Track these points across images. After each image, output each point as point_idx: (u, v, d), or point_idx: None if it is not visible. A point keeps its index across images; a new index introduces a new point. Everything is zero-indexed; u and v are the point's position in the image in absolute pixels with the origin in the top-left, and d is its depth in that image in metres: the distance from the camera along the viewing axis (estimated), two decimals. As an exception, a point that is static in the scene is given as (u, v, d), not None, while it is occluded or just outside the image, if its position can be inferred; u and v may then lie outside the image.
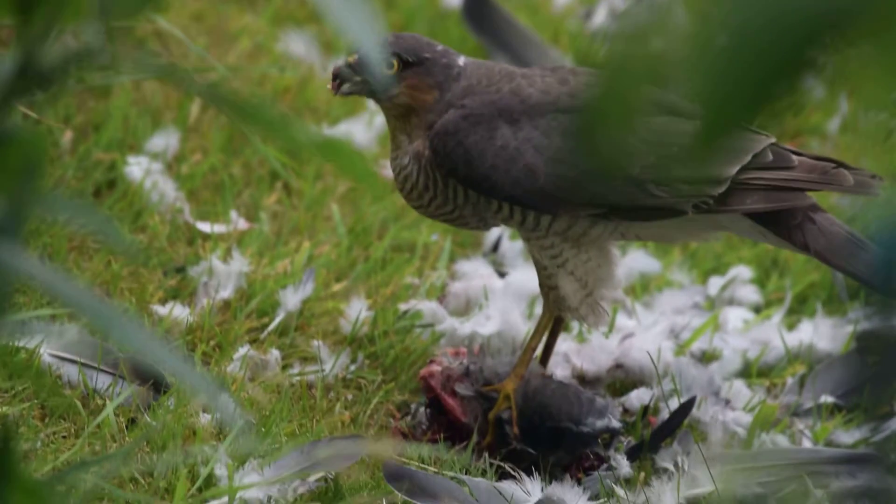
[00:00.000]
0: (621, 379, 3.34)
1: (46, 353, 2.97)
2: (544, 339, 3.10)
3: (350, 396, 3.19)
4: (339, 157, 1.72)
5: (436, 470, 2.90)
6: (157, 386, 2.96)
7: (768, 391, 3.39)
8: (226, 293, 3.34)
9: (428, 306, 3.38)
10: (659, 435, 3.08)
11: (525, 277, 3.49)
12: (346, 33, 1.57)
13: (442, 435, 3.06)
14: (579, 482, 2.97)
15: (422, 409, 3.12)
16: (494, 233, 3.74)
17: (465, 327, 3.33)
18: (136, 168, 3.65)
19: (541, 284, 3.02)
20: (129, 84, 3.92)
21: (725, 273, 3.74)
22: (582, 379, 3.32)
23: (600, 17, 4.90)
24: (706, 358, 3.45)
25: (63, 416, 2.90)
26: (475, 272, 3.56)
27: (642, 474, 3.00)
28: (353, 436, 2.89)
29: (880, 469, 1.81)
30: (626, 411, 3.25)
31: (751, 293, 3.70)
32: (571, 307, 3.00)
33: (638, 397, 3.26)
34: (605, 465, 3.02)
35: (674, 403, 3.19)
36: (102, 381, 2.96)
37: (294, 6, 4.67)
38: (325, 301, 3.41)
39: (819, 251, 2.92)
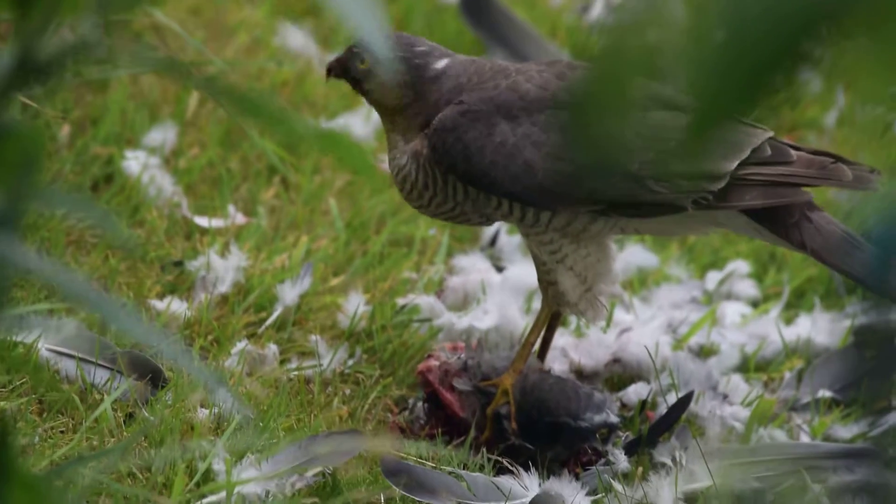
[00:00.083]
0: (619, 373, 3.34)
1: (44, 348, 2.96)
2: (542, 333, 3.11)
3: (348, 391, 3.19)
4: (338, 149, 1.72)
5: (434, 465, 2.90)
6: (155, 381, 2.96)
7: (766, 386, 3.39)
8: (224, 288, 3.34)
9: (426, 301, 3.38)
10: (657, 430, 3.08)
11: (523, 272, 3.49)
12: (347, 22, 1.57)
13: (440, 430, 3.06)
14: (577, 477, 2.97)
15: (420, 404, 3.12)
16: (492, 227, 3.74)
17: (462, 322, 3.33)
18: (133, 162, 3.64)
19: (540, 280, 3.02)
20: (126, 78, 3.91)
21: (723, 268, 3.74)
22: (580, 374, 3.32)
23: (597, 10, 4.90)
24: (704, 352, 3.45)
25: (61, 411, 2.89)
26: (473, 267, 3.56)
27: (640, 469, 3.00)
28: (351, 431, 2.89)
29: (878, 463, 1.82)
30: (623, 406, 3.25)
31: (748, 288, 3.70)
32: (570, 302, 3.00)
33: (636, 392, 3.26)
34: (602, 460, 3.02)
35: (671, 398, 3.19)
36: (100, 375, 2.96)
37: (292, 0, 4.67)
38: (323, 296, 3.40)
39: (815, 250, 2.91)
